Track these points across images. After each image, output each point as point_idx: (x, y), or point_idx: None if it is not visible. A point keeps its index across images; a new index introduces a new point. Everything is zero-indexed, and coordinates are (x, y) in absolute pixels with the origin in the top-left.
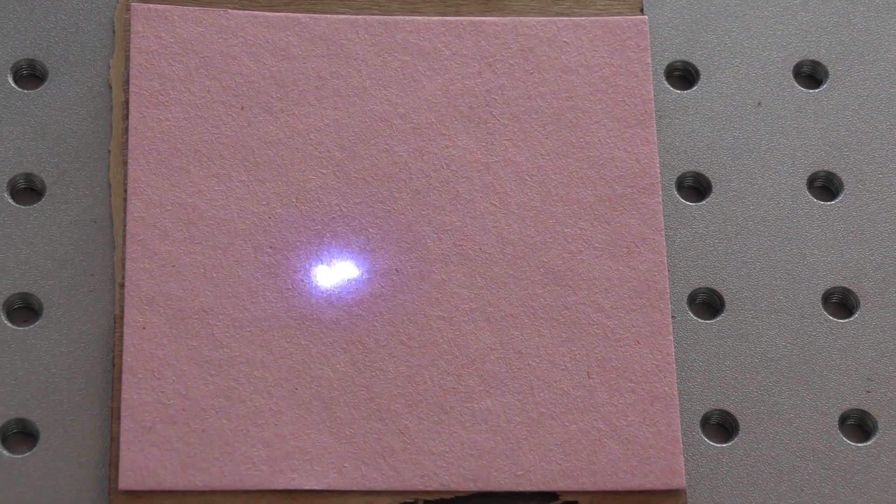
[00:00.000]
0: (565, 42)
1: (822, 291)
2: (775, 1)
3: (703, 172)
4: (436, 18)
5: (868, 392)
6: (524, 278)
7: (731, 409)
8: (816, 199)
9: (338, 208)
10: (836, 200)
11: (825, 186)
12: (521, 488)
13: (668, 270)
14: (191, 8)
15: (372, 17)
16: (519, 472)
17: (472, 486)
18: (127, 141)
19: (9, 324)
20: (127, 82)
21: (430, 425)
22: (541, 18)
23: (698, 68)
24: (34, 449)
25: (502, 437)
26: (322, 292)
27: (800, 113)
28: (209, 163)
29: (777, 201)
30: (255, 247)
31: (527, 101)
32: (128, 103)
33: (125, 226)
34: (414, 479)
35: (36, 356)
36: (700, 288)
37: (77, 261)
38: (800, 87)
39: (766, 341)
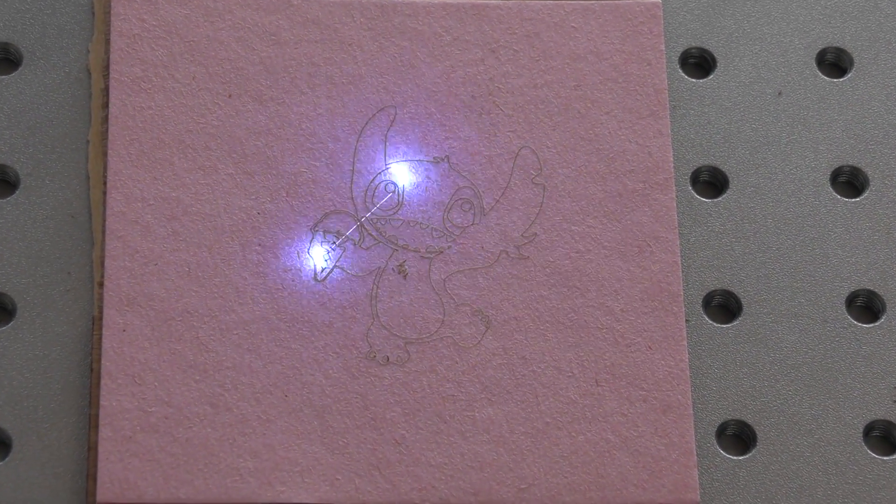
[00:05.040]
0: (573, 27)
1: (846, 294)
2: None
3: (720, 167)
4: (436, 1)
5: (895, 402)
6: (529, 279)
7: (748, 419)
8: (840, 195)
9: (331, 203)
10: (862, 197)
11: (850, 182)
12: (524, 502)
13: (683, 271)
14: None
15: None
16: (522, 486)
17: (473, 500)
18: (107, 130)
19: None
20: (107, 68)
21: (429, 435)
22: (548, 2)
23: (715, 55)
24: (6, 458)
25: (505, 449)
26: (313, 292)
27: (823, 103)
28: (194, 154)
29: (798, 198)
30: (242, 244)
31: (532, 89)
32: (108, 90)
33: (104, 221)
34: (411, 493)
35: (9, 359)
36: (716, 290)
37: (53, 258)
38: (823, 76)
39: (785, 347)
